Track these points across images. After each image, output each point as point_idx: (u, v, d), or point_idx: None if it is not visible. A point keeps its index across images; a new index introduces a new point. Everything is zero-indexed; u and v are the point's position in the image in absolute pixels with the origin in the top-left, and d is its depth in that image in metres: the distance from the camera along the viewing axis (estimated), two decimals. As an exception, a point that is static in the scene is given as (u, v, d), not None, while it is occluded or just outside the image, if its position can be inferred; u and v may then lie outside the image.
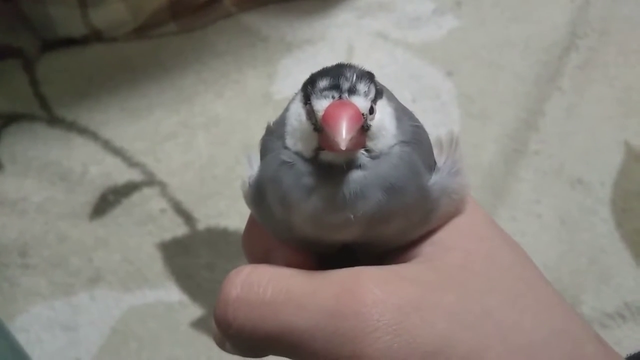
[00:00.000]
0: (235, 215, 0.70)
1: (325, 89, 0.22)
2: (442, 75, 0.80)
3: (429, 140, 0.25)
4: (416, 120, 0.25)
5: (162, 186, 0.74)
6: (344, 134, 0.20)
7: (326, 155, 0.22)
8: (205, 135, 0.75)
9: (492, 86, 0.80)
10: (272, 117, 0.27)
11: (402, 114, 0.25)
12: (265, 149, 0.25)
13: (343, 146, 0.20)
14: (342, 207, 0.22)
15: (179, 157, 0.75)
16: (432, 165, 0.24)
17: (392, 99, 0.25)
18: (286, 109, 0.25)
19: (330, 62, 0.24)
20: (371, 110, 0.22)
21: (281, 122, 0.25)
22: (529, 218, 0.71)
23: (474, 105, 0.78)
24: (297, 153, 0.23)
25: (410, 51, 0.82)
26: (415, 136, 0.24)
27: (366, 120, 0.22)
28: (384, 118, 0.23)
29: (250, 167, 0.25)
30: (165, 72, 0.81)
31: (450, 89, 0.75)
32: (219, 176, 0.72)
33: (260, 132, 0.26)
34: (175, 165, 0.74)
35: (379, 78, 0.24)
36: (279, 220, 0.24)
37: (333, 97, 0.22)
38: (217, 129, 0.76)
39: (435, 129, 0.27)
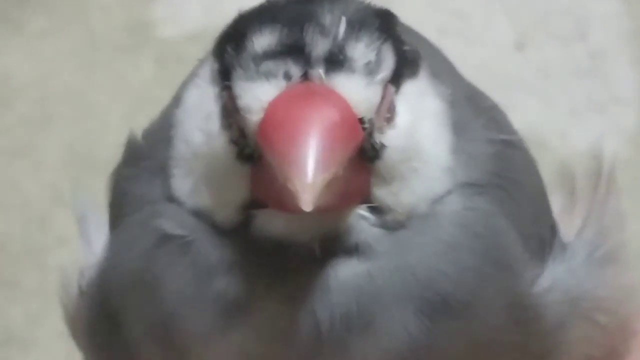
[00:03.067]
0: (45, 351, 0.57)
1: (268, 54, 0.20)
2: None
3: (538, 175, 0.25)
4: (505, 124, 0.25)
5: None
6: (310, 170, 0.18)
7: (270, 223, 0.21)
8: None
9: None
10: (151, 90, 0.26)
11: (468, 111, 0.23)
12: (124, 199, 0.24)
13: (309, 201, 0.18)
14: (311, 353, 0.21)
15: None
16: (544, 239, 0.24)
17: (443, 73, 0.24)
18: (176, 101, 0.24)
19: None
20: (387, 109, 0.21)
21: (163, 132, 0.24)
22: None
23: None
24: (198, 213, 0.22)
25: None
26: (500, 170, 0.23)
27: (372, 134, 0.20)
28: (418, 126, 0.22)
29: (85, 244, 0.25)
30: None
31: (610, 18, 0.66)
32: (12, 243, 0.60)
33: (125, 127, 0.25)
34: None
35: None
36: None
37: (287, 77, 0.20)
38: (5, 112, 0.65)
39: (569, 127, 0.28)
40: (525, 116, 0.36)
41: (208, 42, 0.23)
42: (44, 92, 0.62)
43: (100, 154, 0.25)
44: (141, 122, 0.26)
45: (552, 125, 0.32)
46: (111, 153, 0.24)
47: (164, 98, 0.26)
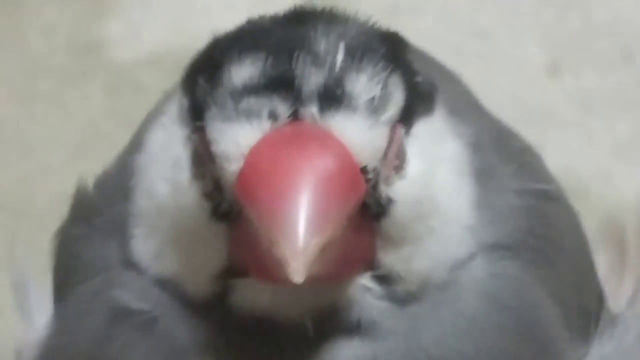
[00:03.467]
0: None
1: (250, 89, 0.20)
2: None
3: (580, 232, 0.24)
4: (539, 170, 0.25)
5: None
6: (301, 232, 0.18)
7: (252, 296, 0.21)
8: None
9: None
10: (102, 125, 0.29)
11: (495, 156, 0.23)
12: (72, 264, 0.24)
13: (300, 271, 0.18)
14: None
15: None
16: (589, 312, 0.23)
17: (464, 108, 0.23)
18: (136, 144, 0.23)
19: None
20: (396, 156, 0.21)
21: (120, 182, 0.23)
22: None
23: None
24: (164, 283, 0.21)
25: None
26: (534, 227, 0.22)
27: (377, 186, 0.20)
28: (433, 176, 0.21)
29: (24, 318, 0.24)
30: None
31: None
32: None
33: (70, 170, 0.26)
34: None
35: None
36: None
37: (273, 117, 0.20)
38: None
39: (614, 169, 0.30)
40: (561, 156, 0.34)
41: (171, 68, 0.22)
42: (22, 125, 0.57)
43: (41, 203, 0.26)
44: (90, 164, 0.25)
45: (595, 167, 0.31)
46: (54, 202, 0.24)
47: (117, 135, 0.26)
